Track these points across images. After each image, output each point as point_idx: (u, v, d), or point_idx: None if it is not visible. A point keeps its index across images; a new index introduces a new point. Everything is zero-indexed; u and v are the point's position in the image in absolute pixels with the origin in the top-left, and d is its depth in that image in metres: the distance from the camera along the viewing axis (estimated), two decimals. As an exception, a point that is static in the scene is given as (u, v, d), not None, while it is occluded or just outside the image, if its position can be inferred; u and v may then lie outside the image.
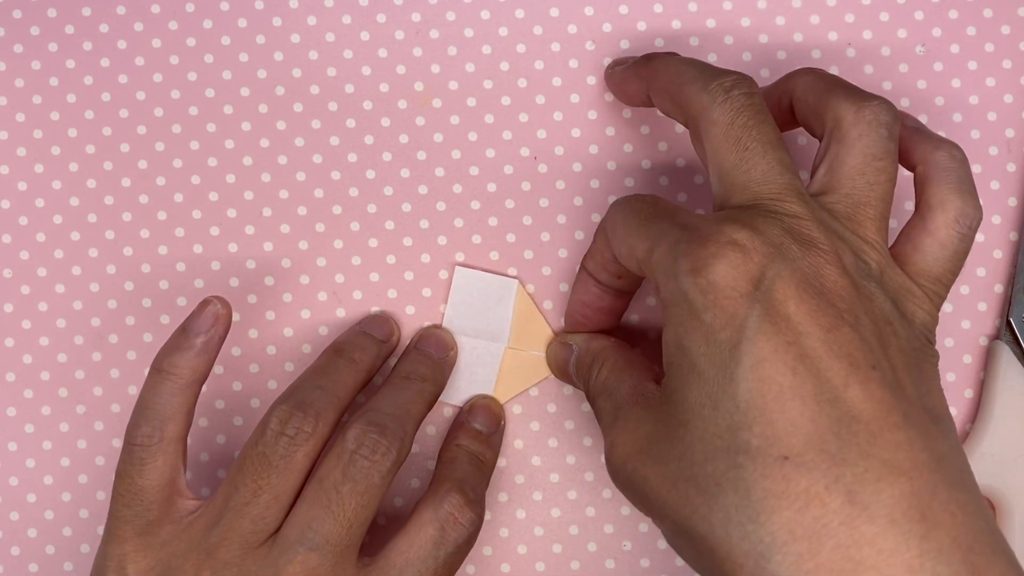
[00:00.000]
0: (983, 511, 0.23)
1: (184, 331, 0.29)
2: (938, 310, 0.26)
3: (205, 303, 0.29)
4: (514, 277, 0.34)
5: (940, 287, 0.26)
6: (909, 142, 0.28)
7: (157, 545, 0.28)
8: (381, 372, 0.33)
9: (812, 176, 0.27)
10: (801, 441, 0.22)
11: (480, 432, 0.33)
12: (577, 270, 0.32)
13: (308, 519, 0.27)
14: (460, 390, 0.34)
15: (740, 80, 0.27)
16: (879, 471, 0.22)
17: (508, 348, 0.34)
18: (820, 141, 0.28)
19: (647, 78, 0.30)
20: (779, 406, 0.22)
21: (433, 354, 0.33)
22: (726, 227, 0.24)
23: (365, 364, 0.31)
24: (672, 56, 0.30)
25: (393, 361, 0.33)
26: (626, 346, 0.30)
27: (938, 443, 0.23)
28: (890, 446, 0.22)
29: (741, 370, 0.22)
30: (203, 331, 0.29)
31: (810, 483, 0.22)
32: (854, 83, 0.34)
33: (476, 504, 0.30)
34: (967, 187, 0.27)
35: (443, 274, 0.34)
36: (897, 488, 0.22)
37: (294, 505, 0.28)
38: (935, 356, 0.26)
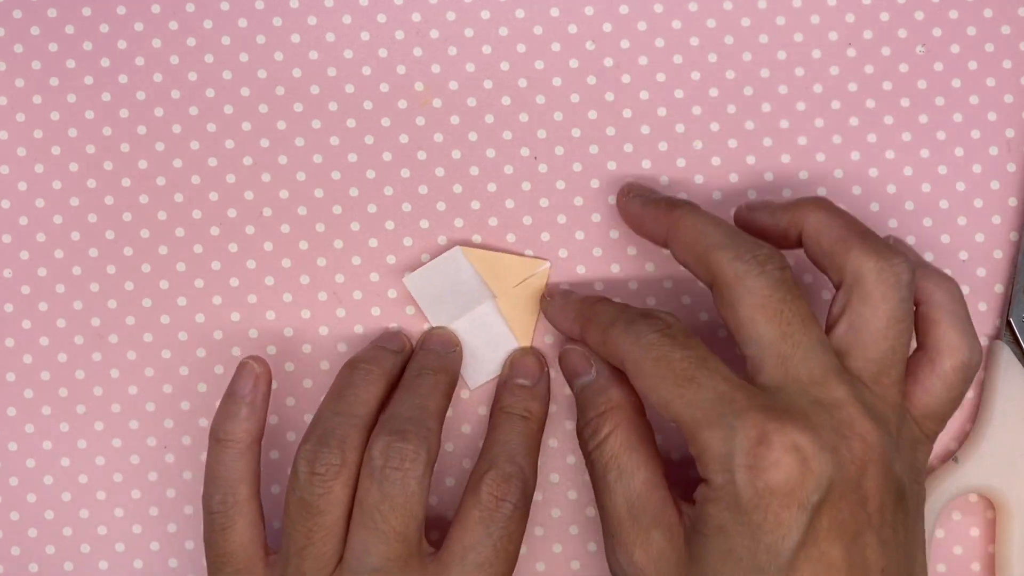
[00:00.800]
0: None
1: (231, 396, 0.31)
2: (931, 448, 0.29)
3: (243, 366, 0.31)
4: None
5: (940, 424, 0.28)
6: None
7: None
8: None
9: (831, 329, 0.27)
10: None
11: (522, 386, 0.32)
12: (567, 296, 0.32)
13: (362, 544, 0.28)
14: (486, 365, 0.34)
15: (773, 254, 0.27)
16: None
17: (496, 300, 0.34)
18: (835, 287, 0.28)
19: (668, 227, 0.30)
20: None
21: (439, 350, 0.33)
22: (788, 427, 0.24)
23: (381, 374, 0.31)
24: (695, 211, 0.29)
25: None
26: (641, 408, 0.30)
27: None
28: None
29: (774, 571, 0.24)
30: (247, 394, 0.31)
31: None
32: (855, 83, 0.34)
33: (515, 477, 0.29)
34: (970, 328, 0.28)
35: (443, 274, 0.34)
36: None
37: (348, 531, 0.29)
38: (922, 506, 0.28)
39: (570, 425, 0.34)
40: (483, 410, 0.34)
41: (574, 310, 0.31)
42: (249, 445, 0.31)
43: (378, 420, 0.30)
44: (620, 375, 0.30)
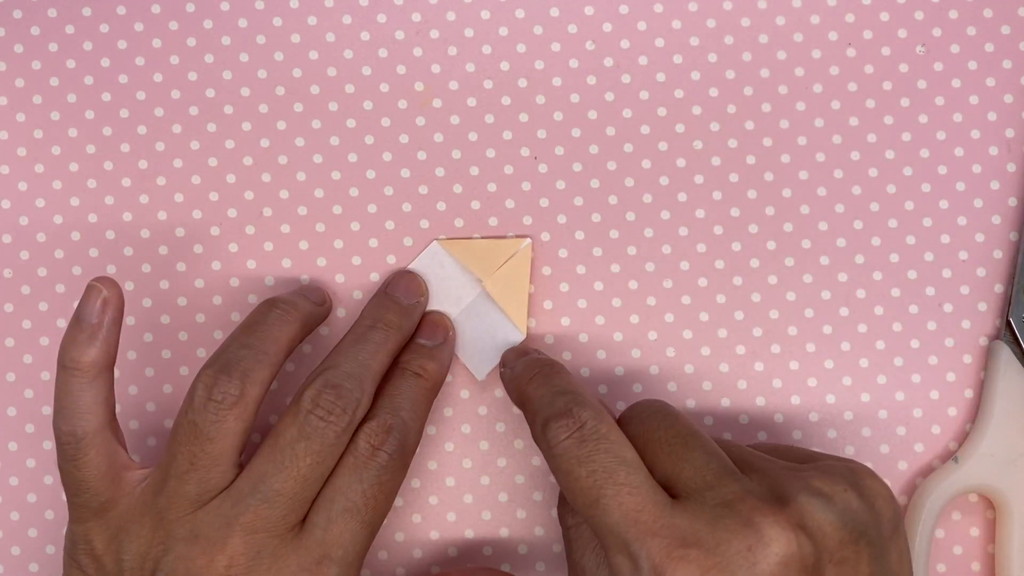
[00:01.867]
0: None
1: (76, 321, 0.29)
2: (874, 475, 0.27)
3: (89, 288, 0.29)
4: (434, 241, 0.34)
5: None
6: None
7: (115, 517, 0.29)
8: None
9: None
10: None
11: (422, 345, 0.32)
12: (512, 368, 0.32)
13: (261, 473, 0.28)
14: (488, 354, 0.34)
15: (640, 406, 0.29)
16: None
17: (484, 286, 0.34)
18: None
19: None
20: None
21: (401, 300, 0.33)
22: (688, 552, 0.24)
23: (298, 317, 0.31)
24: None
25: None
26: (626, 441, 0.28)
27: None
28: None
29: None
30: (94, 318, 0.29)
31: None
32: (855, 83, 0.34)
33: (395, 428, 0.29)
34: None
35: (443, 274, 0.34)
36: None
37: (249, 461, 0.29)
38: (894, 548, 0.27)
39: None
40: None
41: (515, 388, 0.31)
42: (97, 374, 0.29)
43: (315, 368, 0.30)
44: (583, 386, 0.30)
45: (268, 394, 0.31)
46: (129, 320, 0.34)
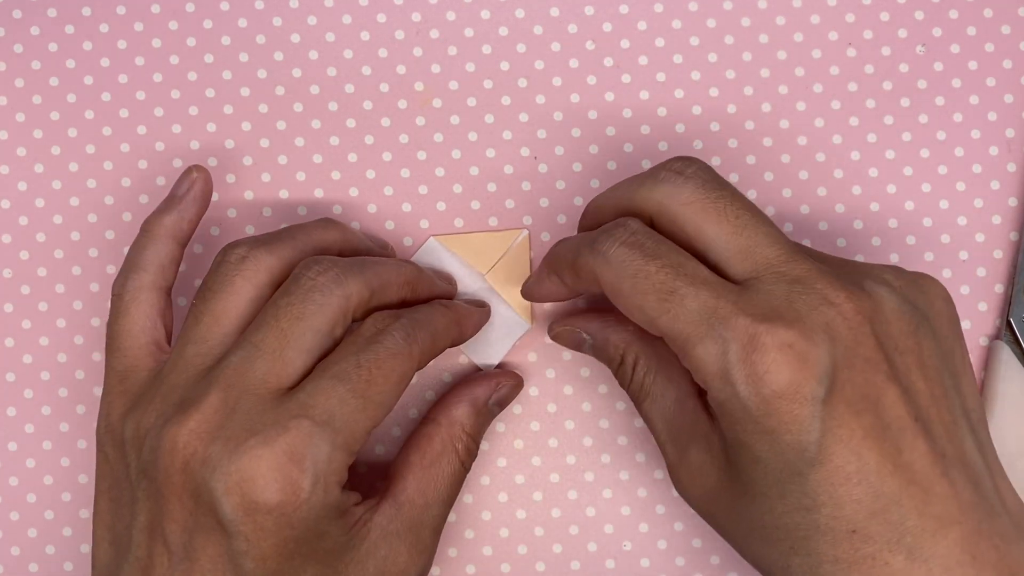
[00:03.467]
0: (1019, 526, 0.25)
1: (167, 198, 0.31)
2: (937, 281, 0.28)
3: (185, 171, 0.31)
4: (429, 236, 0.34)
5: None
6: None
7: (134, 390, 0.29)
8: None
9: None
10: (866, 516, 0.24)
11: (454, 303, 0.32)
12: (537, 269, 0.31)
13: (249, 333, 0.27)
14: (495, 346, 0.34)
15: (686, 160, 0.27)
16: (934, 526, 0.24)
17: (486, 278, 0.34)
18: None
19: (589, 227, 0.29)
20: (847, 491, 0.24)
21: (431, 274, 0.32)
22: (776, 326, 0.24)
23: (341, 231, 0.31)
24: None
25: None
26: (648, 336, 0.29)
27: (971, 464, 0.25)
28: (940, 499, 0.24)
29: (807, 467, 0.24)
30: (180, 192, 0.31)
31: (875, 549, 0.24)
32: (855, 83, 0.34)
33: (404, 317, 0.28)
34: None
35: (443, 274, 0.34)
36: (950, 538, 0.24)
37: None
38: (958, 347, 0.27)
39: (570, 425, 0.34)
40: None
41: (541, 269, 0.30)
42: (162, 237, 0.30)
43: None
44: (612, 318, 0.30)
45: None
46: (129, 320, 0.34)
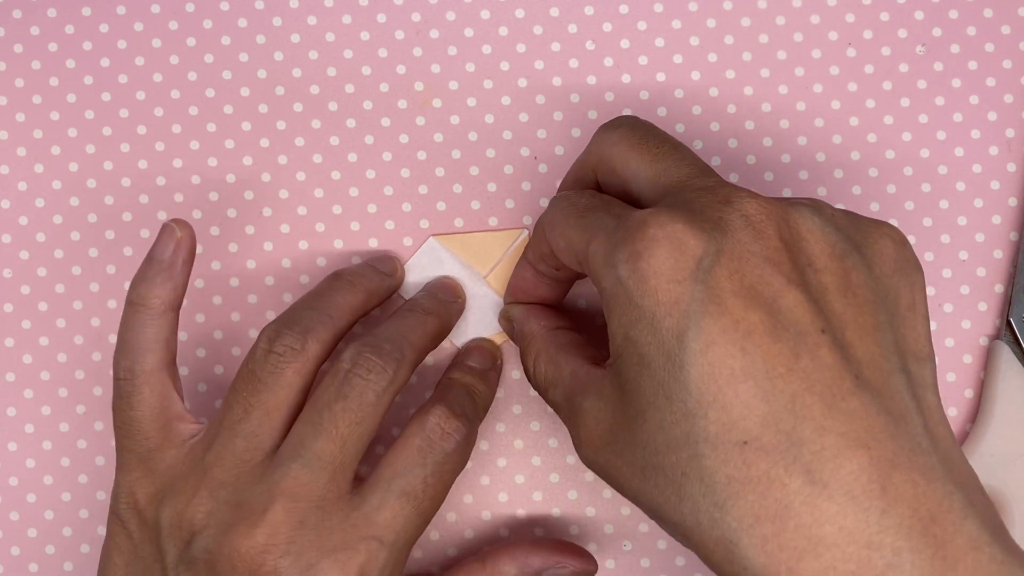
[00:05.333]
0: (951, 472, 0.22)
1: (148, 260, 0.30)
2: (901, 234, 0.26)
3: (165, 227, 0.30)
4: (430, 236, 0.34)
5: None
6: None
7: (161, 470, 0.28)
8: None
9: None
10: (757, 423, 0.22)
11: (474, 367, 0.32)
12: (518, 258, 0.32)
13: (301, 436, 0.27)
14: (466, 331, 0.34)
15: (619, 117, 0.28)
16: (836, 446, 0.21)
17: (487, 279, 0.34)
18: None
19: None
20: (732, 389, 0.22)
21: (440, 295, 0.33)
22: (661, 213, 0.24)
23: (364, 288, 0.31)
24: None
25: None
26: (557, 330, 0.30)
27: (897, 399, 0.23)
28: (844, 416, 0.22)
29: (689, 356, 0.22)
30: (166, 257, 0.29)
31: (770, 466, 0.21)
32: (855, 83, 0.34)
33: (463, 417, 0.29)
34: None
35: (443, 274, 0.34)
36: (855, 462, 0.21)
37: (291, 426, 0.28)
38: (906, 293, 0.25)
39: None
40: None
41: (518, 264, 0.32)
42: (163, 312, 0.29)
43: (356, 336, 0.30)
44: (534, 312, 0.31)
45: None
46: (129, 320, 0.34)
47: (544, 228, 0.28)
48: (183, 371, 0.34)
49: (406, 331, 0.30)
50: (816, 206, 0.25)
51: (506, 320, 0.33)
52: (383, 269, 0.32)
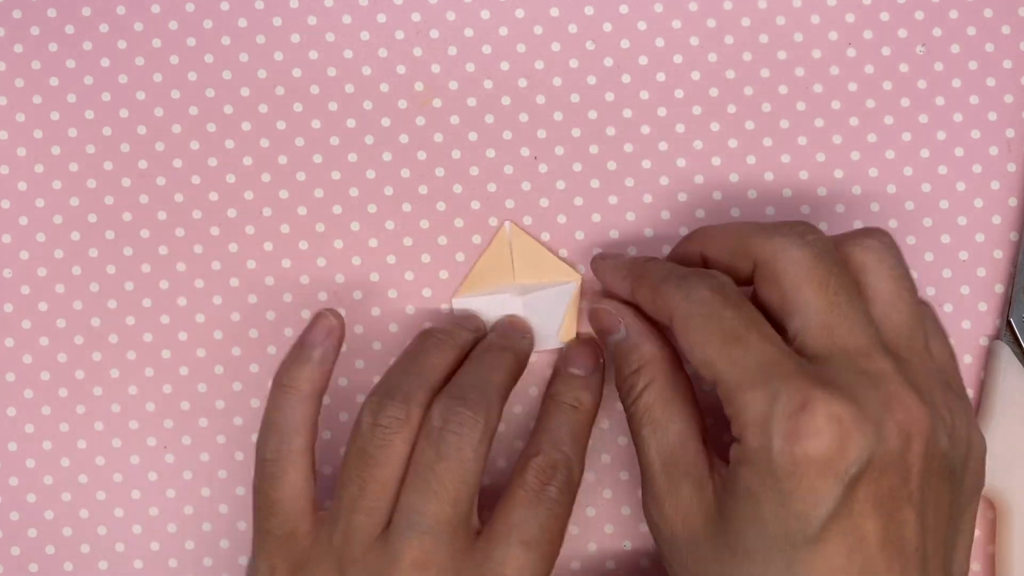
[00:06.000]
0: None
1: (301, 345, 0.31)
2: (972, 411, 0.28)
3: (319, 316, 0.31)
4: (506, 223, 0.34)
5: (954, 374, 0.29)
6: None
7: (299, 553, 0.29)
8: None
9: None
10: None
11: (575, 375, 0.32)
12: (620, 256, 0.32)
13: (412, 504, 0.28)
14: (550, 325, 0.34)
15: (813, 227, 0.27)
16: None
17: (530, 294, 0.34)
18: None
19: (698, 240, 0.30)
20: None
21: (510, 333, 0.33)
22: (832, 397, 0.24)
23: (454, 345, 0.31)
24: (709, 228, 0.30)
25: None
26: (677, 361, 0.29)
27: None
28: None
29: (805, 542, 0.24)
30: (318, 344, 0.30)
31: None
32: (855, 83, 0.34)
33: (560, 463, 0.29)
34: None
35: (443, 274, 0.34)
36: None
37: (399, 493, 0.29)
38: (979, 485, 0.27)
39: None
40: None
41: (626, 267, 0.30)
42: (310, 395, 0.30)
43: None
44: (652, 331, 0.30)
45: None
46: (129, 320, 0.34)
47: (669, 307, 0.27)
48: (183, 371, 0.34)
49: (487, 373, 0.30)
50: (953, 420, 0.26)
51: (609, 317, 0.31)
52: (468, 327, 0.33)
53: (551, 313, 0.34)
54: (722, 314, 0.26)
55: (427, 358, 0.30)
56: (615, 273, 0.31)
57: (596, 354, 0.33)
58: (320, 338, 0.30)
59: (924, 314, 0.28)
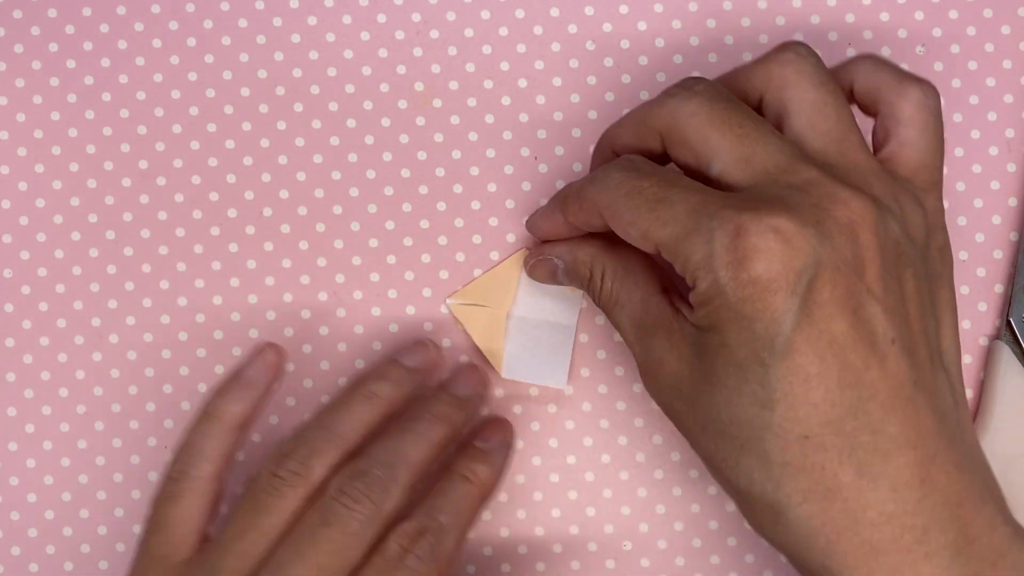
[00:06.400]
0: (974, 462, 0.25)
1: (236, 377, 0.30)
2: (941, 197, 0.28)
3: (259, 351, 0.31)
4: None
5: (933, 173, 0.27)
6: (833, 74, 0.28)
7: (168, 573, 0.29)
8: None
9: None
10: (820, 423, 0.24)
11: (476, 448, 0.31)
12: (545, 204, 0.31)
13: (281, 561, 0.27)
14: (533, 369, 0.34)
15: (695, 79, 0.27)
16: (887, 446, 0.24)
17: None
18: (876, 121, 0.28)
19: (597, 164, 0.30)
20: (804, 391, 0.24)
21: (459, 391, 0.32)
22: (764, 214, 0.24)
23: (384, 397, 0.30)
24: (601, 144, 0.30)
25: None
26: (620, 242, 0.28)
27: (941, 396, 0.25)
28: (899, 419, 0.24)
29: (773, 359, 0.24)
30: (254, 379, 0.30)
31: (825, 459, 0.24)
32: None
33: (429, 531, 0.28)
34: (911, 75, 0.28)
35: (443, 274, 0.34)
36: (903, 459, 0.24)
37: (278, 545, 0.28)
38: (947, 264, 0.27)
39: (571, 425, 0.34)
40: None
41: (550, 205, 0.30)
42: (233, 427, 0.30)
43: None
44: (583, 237, 0.30)
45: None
46: (129, 320, 0.34)
47: (595, 204, 0.27)
48: (183, 371, 0.34)
49: (405, 448, 0.29)
50: (901, 207, 0.26)
51: (544, 262, 0.31)
52: (409, 363, 0.31)
53: (556, 350, 0.34)
54: (640, 185, 0.26)
55: (349, 414, 0.30)
56: (545, 216, 0.31)
57: (503, 431, 0.32)
58: (258, 374, 0.30)
59: (851, 115, 0.27)
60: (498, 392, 0.34)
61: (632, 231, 0.26)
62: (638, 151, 0.28)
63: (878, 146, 0.28)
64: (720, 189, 0.26)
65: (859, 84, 0.28)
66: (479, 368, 0.33)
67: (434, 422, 0.30)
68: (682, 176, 0.26)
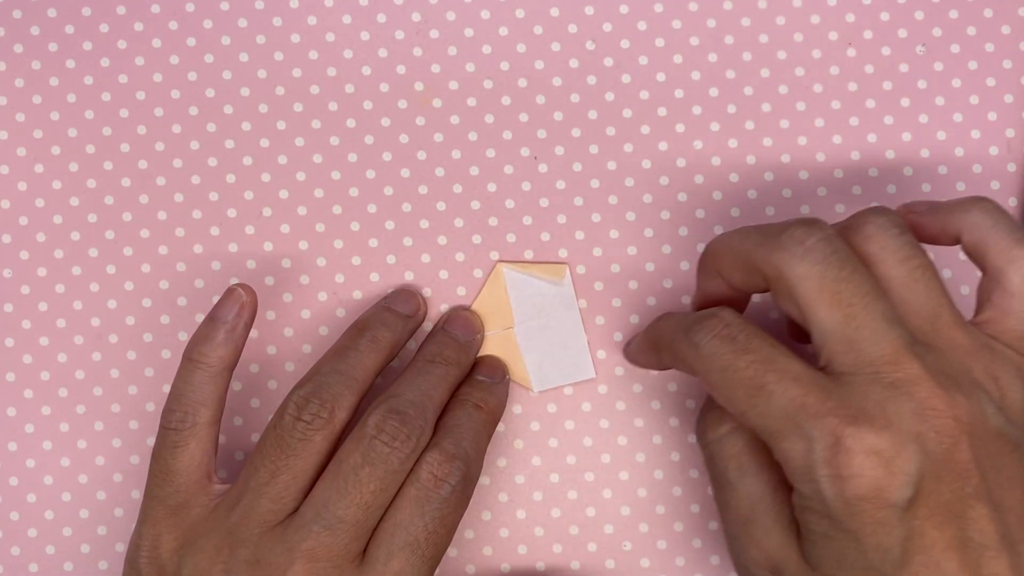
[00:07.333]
0: None
1: (211, 320, 0.31)
2: None
3: (230, 291, 0.31)
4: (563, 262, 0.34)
5: None
6: (940, 218, 0.28)
7: (187, 525, 0.29)
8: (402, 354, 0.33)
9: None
10: None
11: (482, 381, 0.33)
12: (642, 334, 0.31)
13: (324, 499, 0.28)
14: (551, 375, 0.34)
15: (809, 227, 0.26)
16: None
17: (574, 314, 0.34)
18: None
19: (700, 271, 0.30)
20: None
21: (460, 336, 0.33)
22: (864, 429, 0.24)
23: (387, 342, 0.31)
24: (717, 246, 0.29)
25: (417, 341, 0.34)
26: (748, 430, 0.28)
27: None
28: None
29: (891, 568, 0.24)
30: (228, 319, 0.30)
31: None
32: (855, 83, 0.34)
33: (458, 458, 0.29)
34: (1020, 234, 0.27)
35: (443, 274, 0.34)
36: None
37: (313, 486, 0.29)
38: None
39: (570, 425, 0.34)
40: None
41: (645, 342, 0.31)
42: (220, 371, 0.30)
43: (381, 393, 0.30)
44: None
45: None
46: (129, 320, 0.34)
47: (690, 368, 0.27)
48: (183, 371, 0.34)
49: (429, 389, 0.31)
50: (1000, 388, 0.25)
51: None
52: (403, 311, 0.33)
53: (570, 342, 0.34)
54: (736, 364, 0.25)
55: (359, 358, 0.31)
56: (641, 354, 0.32)
57: (502, 369, 0.34)
58: (231, 314, 0.30)
59: (942, 289, 0.26)
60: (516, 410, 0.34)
61: (730, 408, 0.26)
62: (744, 283, 0.28)
63: (980, 304, 0.27)
64: (820, 359, 0.25)
65: (968, 237, 0.27)
66: (471, 312, 0.34)
67: (449, 365, 0.32)
68: (780, 354, 0.25)
